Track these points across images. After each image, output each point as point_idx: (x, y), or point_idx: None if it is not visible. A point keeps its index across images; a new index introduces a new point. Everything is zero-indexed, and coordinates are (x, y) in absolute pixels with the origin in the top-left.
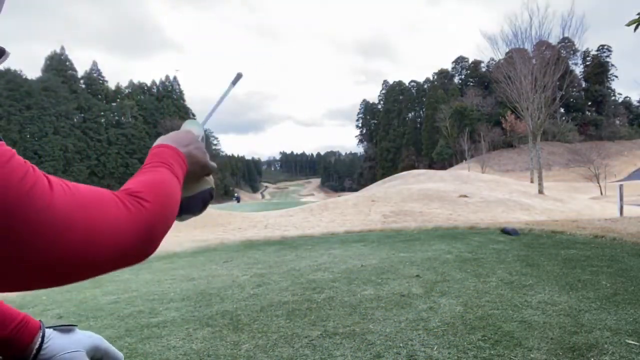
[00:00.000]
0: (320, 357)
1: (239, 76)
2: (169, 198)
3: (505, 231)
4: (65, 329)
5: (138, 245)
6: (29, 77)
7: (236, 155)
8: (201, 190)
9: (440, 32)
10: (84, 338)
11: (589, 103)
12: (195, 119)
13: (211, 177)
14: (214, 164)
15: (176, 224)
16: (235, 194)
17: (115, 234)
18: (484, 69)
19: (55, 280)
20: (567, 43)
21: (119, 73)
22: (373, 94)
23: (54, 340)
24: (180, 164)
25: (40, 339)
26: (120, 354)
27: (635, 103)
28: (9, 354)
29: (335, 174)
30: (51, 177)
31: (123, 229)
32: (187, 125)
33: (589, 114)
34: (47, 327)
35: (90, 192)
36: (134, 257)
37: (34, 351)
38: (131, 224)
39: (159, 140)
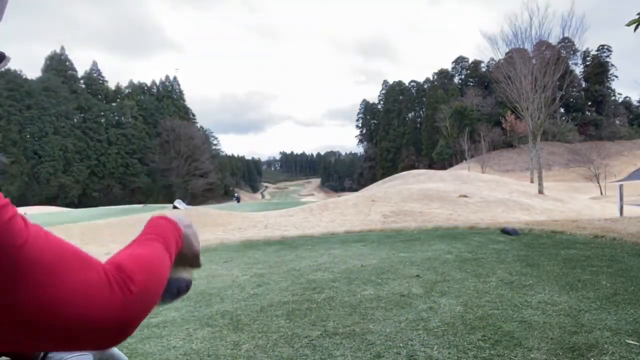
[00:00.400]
0: (320, 357)
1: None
2: (157, 283)
3: (505, 231)
4: None
5: (108, 329)
6: (29, 77)
7: (236, 155)
8: (179, 277)
9: (440, 32)
10: None
11: (589, 103)
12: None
13: (191, 270)
14: (202, 260)
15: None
16: (235, 194)
17: (93, 303)
18: (484, 69)
19: (9, 343)
20: (567, 43)
21: (119, 73)
22: (373, 94)
23: None
24: (177, 241)
25: None
26: (124, 357)
27: (635, 103)
28: (19, 355)
29: (335, 174)
30: (30, 223)
31: (97, 305)
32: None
33: (589, 114)
34: None
35: (72, 250)
36: (107, 340)
37: (42, 353)
38: (108, 304)
39: (165, 213)
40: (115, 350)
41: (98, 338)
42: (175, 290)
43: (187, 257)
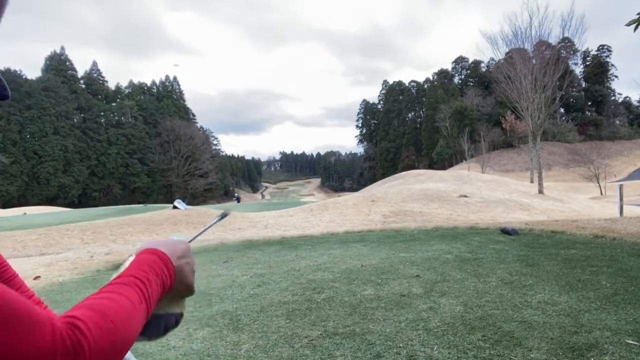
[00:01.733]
0: (320, 357)
1: (224, 214)
2: (119, 336)
3: (505, 231)
4: None
5: None
6: (29, 77)
7: (236, 155)
8: (168, 313)
9: (440, 32)
10: None
11: (589, 103)
12: (181, 234)
13: (185, 301)
14: (195, 289)
15: (174, 224)
16: (236, 194)
17: None
18: (484, 69)
19: None
20: (567, 43)
21: (119, 73)
22: (373, 94)
23: None
24: (164, 278)
25: None
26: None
27: (635, 103)
28: None
29: (335, 174)
30: None
31: None
32: (174, 238)
33: (589, 114)
34: None
35: (17, 310)
36: None
37: None
38: None
39: (153, 244)
40: (129, 353)
41: None
42: (163, 327)
43: (180, 289)
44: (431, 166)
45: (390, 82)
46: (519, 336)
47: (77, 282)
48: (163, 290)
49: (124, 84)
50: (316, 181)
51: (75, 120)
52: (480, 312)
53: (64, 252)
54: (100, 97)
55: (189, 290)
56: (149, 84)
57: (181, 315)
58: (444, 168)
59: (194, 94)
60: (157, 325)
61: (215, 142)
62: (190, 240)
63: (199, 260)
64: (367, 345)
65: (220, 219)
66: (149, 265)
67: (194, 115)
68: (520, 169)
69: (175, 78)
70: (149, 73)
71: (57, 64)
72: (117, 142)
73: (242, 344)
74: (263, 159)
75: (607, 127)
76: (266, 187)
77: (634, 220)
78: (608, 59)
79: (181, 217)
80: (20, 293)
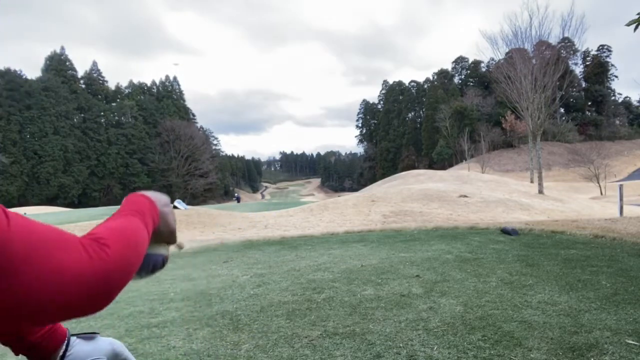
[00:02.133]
0: (320, 357)
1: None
2: (133, 249)
3: (505, 231)
4: (88, 336)
5: (93, 295)
6: (29, 77)
7: (236, 155)
8: (156, 253)
9: (441, 32)
10: (105, 345)
11: (589, 103)
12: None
13: (169, 248)
14: (180, 240)
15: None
16: (236, 194)
17: (75, 280)
18: (484, 69)
19: (10, 323)
20: (567, 43)
21: (119, 73)
22: (373, 94)
23: (77, 347)
24: (153, 217)
25: (65, 346)
26: None
27: (635, 103)
28: (35, 359)
29: (335, 174)
30: (13, 214)
31: (81, 275)
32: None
33: (589, 114)
34: (71, 335)
35: (52, 233)
36: (91, 306)
37: (58, 358)
38: (89, 271)
39: (142, 192)
40: (130, 354)
41: (82, 306)
42: (151, 265)
43: (164, 233)
44: (431, 166)
45: (390, 82)
46: (519, 336)
47: None
48: (153, 226)
49: (124, 84)
50: (316, 181)
51: (75, 120)
52: (480, 312)
53: None
54: (100, 97)
55: (172, 235)
56: (149, 84)
57: (167, 258)
58: (444, 168)
59: (194, 94)
60: (147, 262)
61: (215, 142)
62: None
63: (199, 260)
64: (367, 345)
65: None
66: (139, 204)
67: (194, 115)
68: (520, 169)
69: (175, 78)
70: (149, 73)
71: (57, 64)
72: (117, 142)
73: (242, 344)
74: (263, 159)
75: (607, 127)
76: (266, 187)
77: (634, 220)
78: (608, 59)
79: (181, 217)
80: None
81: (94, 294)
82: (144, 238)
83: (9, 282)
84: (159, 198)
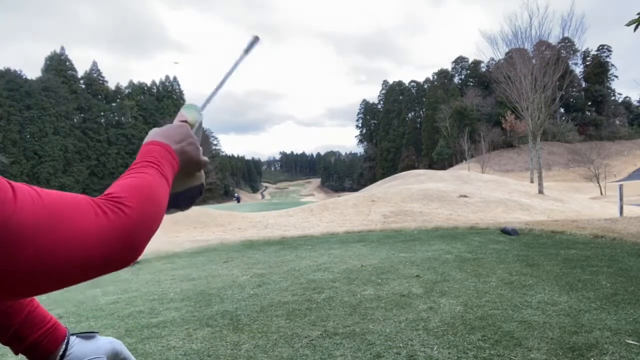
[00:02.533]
0: (320, 357)
1: (255, 40)
2: (152, 202)
3: (505, 231)
4: (88, 335)
5: (118, 252)
6: (29, 77)
7: (236, 155)
8: (190, 187)
9: (441, 32)
10: (105, 344)
11: (589, 103)
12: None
13: (202, 172)
14: (206, 158)
15: (174, 224)
16: (236, 194)
17: (90, 240)
18: (484, 69)
19: (29, 289)
20: (567, 43)
21: (119, 73)
22: (373, 94)
23: (76, 346)
24: (171, 161)
25: (64, 345)
26: None
27: (635, 103)
28: (35, 358)
29: (335, 174)
30: (18, 185)
31: (100, 235)
32: (183, 111)
33: (589, 114)
34: (71, 334)
35: (62, 198)
36: (116, 262)
37: (58, 357)
38: (109, 230)
39: (151, 135)
40: (130, 353)
41: (108, 263)
42: (190, 199)
43: (190, 167)
44: (431, 166)
45: (390, 82)
46: (519, 336)
47: None
48: (172, 171)
49: (124, 84)
50: (316, 181)
51: (75, 120)
52: (480, 312)
53: None
54: (100, 97)
55: (198, 164)
56: (149, 84)
57: (202, 185)
58: (444, 168)
59: (194, 94)
60: (185, 199)
61: (215, 142)
62: (203, 106)
63: (199, 260)
64: (367, 345)
65: (246, 53)
66: (152, 152)
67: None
68: (520, 169)
69: (175, 78)
70: (149, 73)
71: (57, 64)
72: (117, 142)
73: (242, 344)
74: (263, 159)
75: (607, 127)
76: (266, 187)
77: (634, 220)
78: (608, 59)
79: (181, 217)
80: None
81: (116, 250)
82: (163, 188)
83: (22, 250)
84: (172, 136)
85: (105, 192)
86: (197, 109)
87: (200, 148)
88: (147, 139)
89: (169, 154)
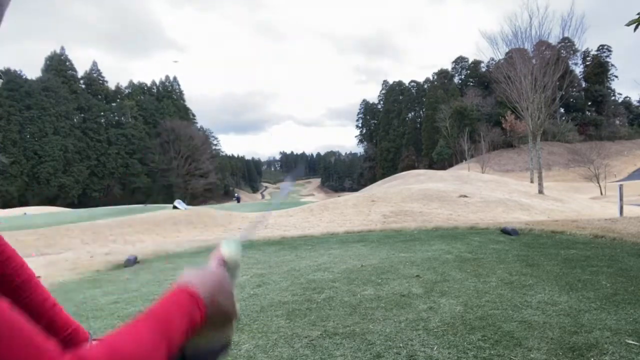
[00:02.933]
0: (320, 357)
1: (292, 183)
2: None
3: (505, 231)
4: None
5: None
6: (29, 77)
7: (236, 155)
8: (212, 347)
9: (441, 32)
10: None
11: (589, 103)
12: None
13: (232, 326)
14: (238, 310)
15: (174, 224)
16: (236, 194)
17: None
18: (484, 69)
19: None
20: (567, 43)
21: (119, 73)
22: (373, 94)
23: None
24: (192, 313)
25: None
26: None
27: (635, 103)
28: None
29: (335, 174)
30: None
31: None
32: (224, 248)
33: (589, 114)
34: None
35: (23, 338)
36: None
37: None
38: None
39: (185, 276)
40: None
41: None
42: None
43: (218, 318)
44: (431, 166)
45: (390, 82)
46: (519, 336)
47: (77, 282)
48: (193, 325)
49: (124, 84)
50: (316, 181)
51: (75, 120)
52: (480, 312)
53: (64, 252)
54: (100, 97)
55: (228, 318)
56: (149, 84)
57: (228, 344)
58: (444, 168)
59: (194, 93)
60: (203, 359)
61: (215, 142)
62: (244, 237)
63: (199, 260)
64: (367, 345)
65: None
66: (172, 302)
67: (194, 115)
68: (520, 169)
69: (175, 78)
70: (149, 73)
71: (57, 64)
72: (117, 142)
73: (242, 344)
74: (263, 159)
75: (607, 127)
76: (266, 187)
77: (634, 220)
78: (608, 59)
79: (181, 217)
80: (36, 296)
81: None
82: (153, 354)
83: None
84: (206, 281)
85: (80, 353)
86: (238, 246)
87: (235, 299)
88: (181, 279)
89: (195, 304)
